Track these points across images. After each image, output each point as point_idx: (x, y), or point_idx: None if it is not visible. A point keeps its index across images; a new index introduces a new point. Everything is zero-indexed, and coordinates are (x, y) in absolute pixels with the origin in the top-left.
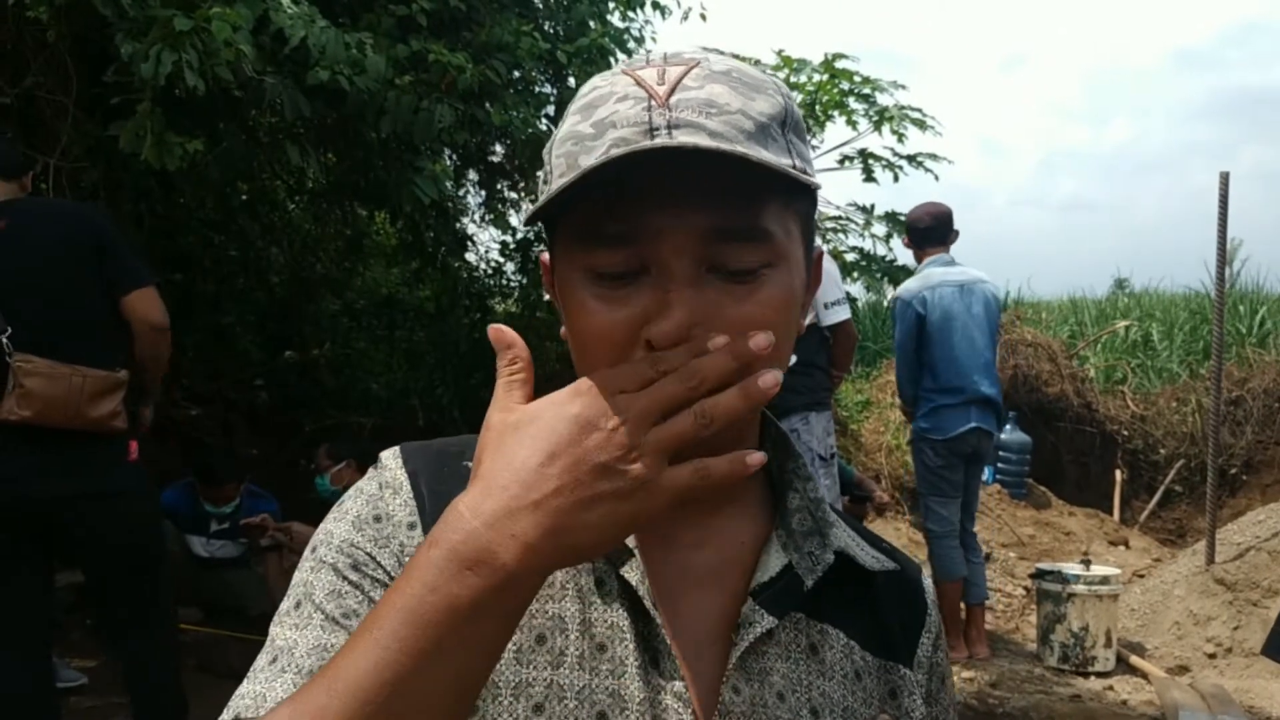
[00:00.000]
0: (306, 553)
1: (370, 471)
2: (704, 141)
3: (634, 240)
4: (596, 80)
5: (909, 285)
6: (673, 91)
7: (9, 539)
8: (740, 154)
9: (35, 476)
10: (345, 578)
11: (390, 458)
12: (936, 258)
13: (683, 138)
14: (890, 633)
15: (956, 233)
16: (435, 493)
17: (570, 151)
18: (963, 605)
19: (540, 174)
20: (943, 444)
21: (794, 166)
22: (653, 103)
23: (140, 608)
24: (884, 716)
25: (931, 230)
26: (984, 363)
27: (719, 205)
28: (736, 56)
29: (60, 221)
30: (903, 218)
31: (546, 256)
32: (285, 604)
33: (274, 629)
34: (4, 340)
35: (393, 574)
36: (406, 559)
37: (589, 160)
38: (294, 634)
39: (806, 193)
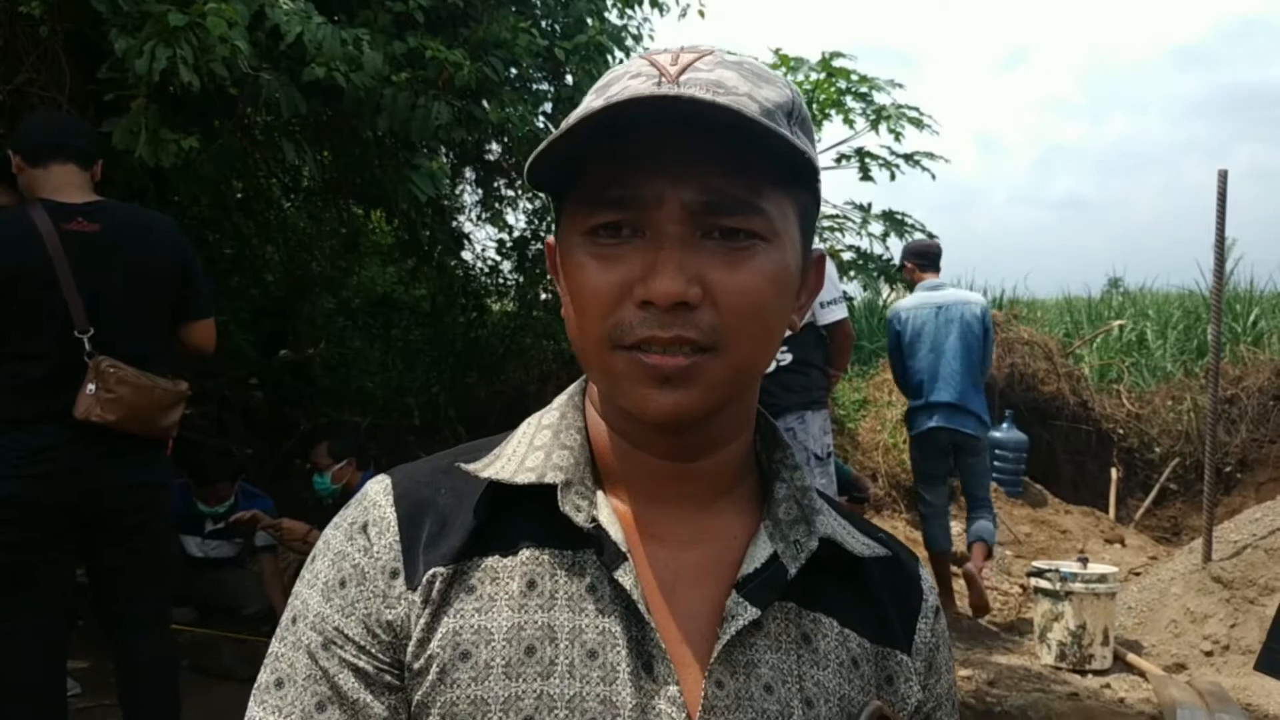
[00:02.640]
0: (286, 619)
1: (352, 505)
2: (699, 94)
3: (632, 204)
4: (615, 68)
5: (898, 304)
6: (683, 72)
7: (54, 534)
8: (736, 109)
9: (99, 469)
10: (316, 661)
11: (380, 493)
12: (928, 281)
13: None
14: (886, 619)
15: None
16: (419, 514)
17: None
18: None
19: None
20: (915, 439)
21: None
22: (662, 79)
23: (151, 606)
24: (875, 703)
25: (932, 259)
26: (949, 372)
27: (716, 175)
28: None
29: (150, 233)
30: (899, 215)
31: (552, 240)
32: (266, 676)
33: (256, 708)
34: (85, 340)
35: (360, 642)
36: (385, 608)
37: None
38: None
39: (805, 183)
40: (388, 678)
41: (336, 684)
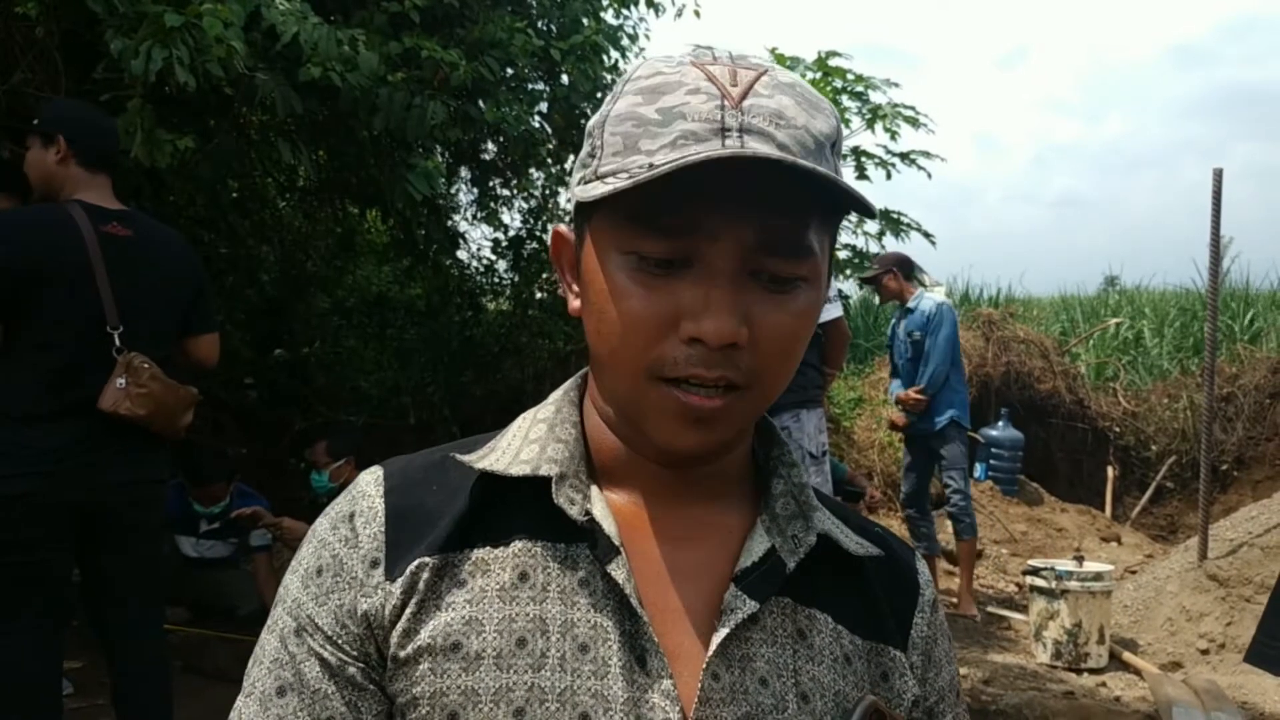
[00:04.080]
0: (275, 603)
1: (344, 495)
2: (773, 152)
3: (686, 234)
4: (659, 65)
5: (941, 296)
6: (745, 95)
7: (62, 532)
8: (823, 174)
9: (109, 465)
10: (285, 646)
11: (371, 483)
12: (921, 289)
13: (754, 144)
14: (881, 615)
15: None
16: (408, 508)
17: (630, 133)
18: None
19: (587, 147)
20: (965, 428)
21: None
22: (725, 102)
23: (146, 606)
24: (870, 698)
25: (913, 271)
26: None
27: (772, 215)
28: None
29: (170, 245)
30: (895, 214)
31: (563, 229)
32: (251, 658)
33: (244, 690)
34: (116, 336)
35: (329, 632)
36: (360, 598)
37: (652, 144)
38: (242, 701)
39: (839, 213)
40: (351, 670)
41: (300, 670)
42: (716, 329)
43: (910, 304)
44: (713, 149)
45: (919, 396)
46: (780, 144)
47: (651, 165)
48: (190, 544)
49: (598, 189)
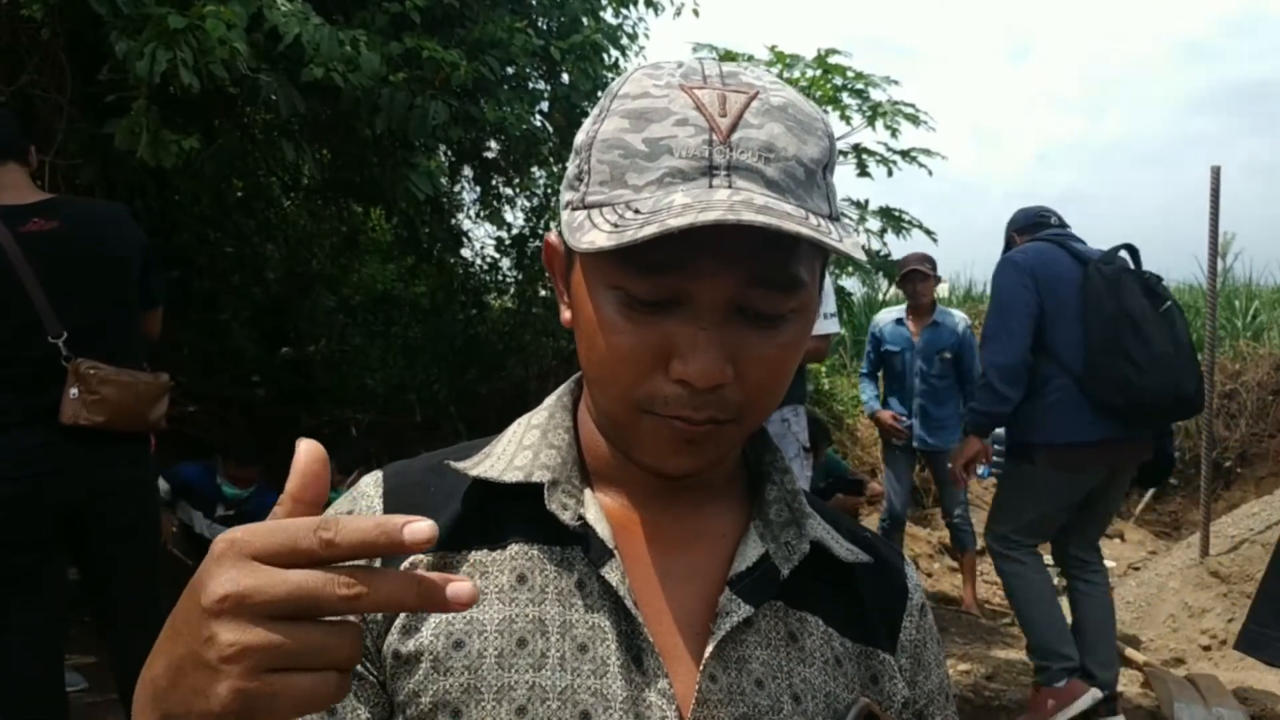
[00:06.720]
0: None
1: (344, 497)
2: (758, 195)
3: (672, 271)
4: (646, 83)
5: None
6: (734, 127)
7: (43, 535)
8: (809, 236)
9: (89, 470)
10: None
11: (371, 484)
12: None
13: (742, 184)
14: (870, 619)
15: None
16: (405, 508)
17: (617, 163)
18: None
19: (574, 167)
20: None
21: (830, 214)
22: (713, 136)
23: (144, 604)
24: (863, 699)
25: None
26: None
27: (760, 252)
28: (729, 55)
29: (109, 225)
30: (897, 212)
31: (554, 238)
32: None
33: None
34: (60, 345)
35: None
36: None
37: (638, 179)
38: None
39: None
40: None
41: None
42: (704, 372)
43: (937, 317)
44: (699, 190)
45: (901, 427)
46: (769, 180)
47: (637, 210)
48: (202, 521)
49: (585, 234)
